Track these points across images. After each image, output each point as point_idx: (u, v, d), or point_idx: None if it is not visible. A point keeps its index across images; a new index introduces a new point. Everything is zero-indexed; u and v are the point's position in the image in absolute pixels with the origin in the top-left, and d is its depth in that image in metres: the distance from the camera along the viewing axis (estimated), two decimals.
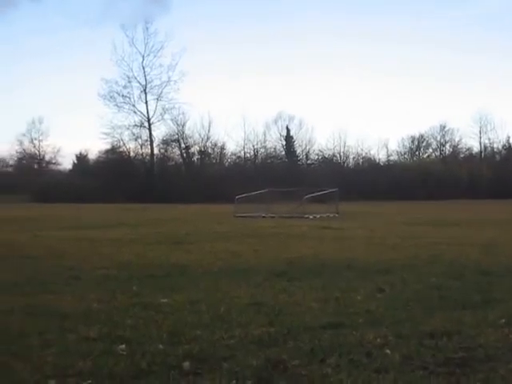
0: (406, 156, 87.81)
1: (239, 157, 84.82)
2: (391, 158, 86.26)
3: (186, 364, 4.56)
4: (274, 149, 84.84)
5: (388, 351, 4.90)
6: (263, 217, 31.02)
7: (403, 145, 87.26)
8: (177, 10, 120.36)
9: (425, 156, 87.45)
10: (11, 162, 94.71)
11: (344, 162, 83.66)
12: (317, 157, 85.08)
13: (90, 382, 4.15)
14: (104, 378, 4.23)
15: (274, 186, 39.85)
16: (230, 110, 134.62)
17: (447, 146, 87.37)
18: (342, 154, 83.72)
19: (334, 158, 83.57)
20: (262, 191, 36.18)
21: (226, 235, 17.98)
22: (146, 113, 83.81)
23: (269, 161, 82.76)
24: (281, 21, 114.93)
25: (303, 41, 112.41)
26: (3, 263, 10.29)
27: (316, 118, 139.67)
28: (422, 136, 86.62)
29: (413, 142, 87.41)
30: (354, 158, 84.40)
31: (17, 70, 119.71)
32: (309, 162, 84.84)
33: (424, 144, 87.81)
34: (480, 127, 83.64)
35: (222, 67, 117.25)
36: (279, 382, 4.17)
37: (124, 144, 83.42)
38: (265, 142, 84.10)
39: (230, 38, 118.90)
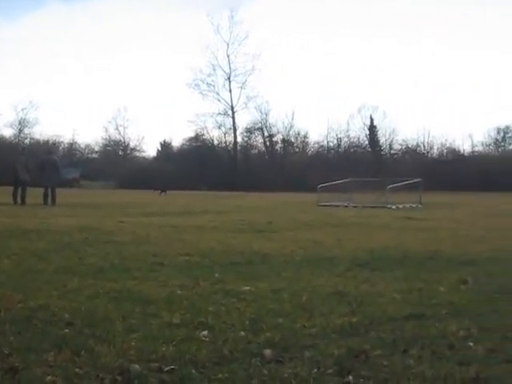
0: (491, 147, 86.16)
1: (322, 146, 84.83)
2: (476, 148, 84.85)
3: (268, 352, 4.56)
4: (358, 138, 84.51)
5: (471, 343, 4.81)
6: (346, 206, 30.98)
7: (488, 136, 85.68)
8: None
9: (510, 147, 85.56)
10: (97, 149, 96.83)
11: (428, 153, 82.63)
12: (400, 147, 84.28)
13: (172, 367, 4.18)
14: (187, 364, 4.26)
15: (357, 176, 39.65)
16: (314, 99, 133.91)
17: None
18: (425, 144, 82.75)
19: (418, 149, 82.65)
20: (345, 180, 36.08)
21: (309, 224, 17.97)
22: (229, 101, 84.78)
23: (352, 150, 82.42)
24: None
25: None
26: (90, 248, 10.49)
27: (400, 108, 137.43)
28: (507, 127, 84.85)
29: (498, 132, 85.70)
30: (438, 148, 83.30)
31: (102, 58, 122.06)
32: (392, 151, 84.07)
33: (510, 135, 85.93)
34: None
35: (307, 57, 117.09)
36: (360, 372, 4.14)
37: (208, 132, 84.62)
38: (348, 131, 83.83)
39: (316, 28, 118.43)
